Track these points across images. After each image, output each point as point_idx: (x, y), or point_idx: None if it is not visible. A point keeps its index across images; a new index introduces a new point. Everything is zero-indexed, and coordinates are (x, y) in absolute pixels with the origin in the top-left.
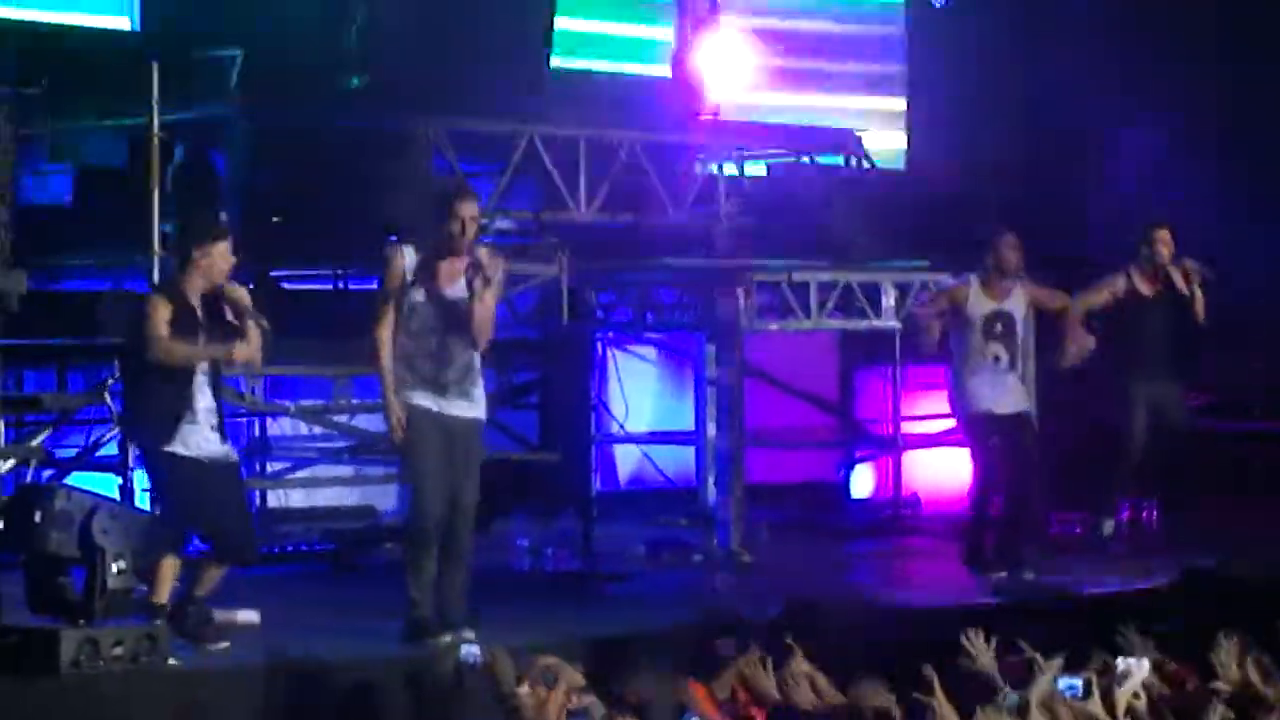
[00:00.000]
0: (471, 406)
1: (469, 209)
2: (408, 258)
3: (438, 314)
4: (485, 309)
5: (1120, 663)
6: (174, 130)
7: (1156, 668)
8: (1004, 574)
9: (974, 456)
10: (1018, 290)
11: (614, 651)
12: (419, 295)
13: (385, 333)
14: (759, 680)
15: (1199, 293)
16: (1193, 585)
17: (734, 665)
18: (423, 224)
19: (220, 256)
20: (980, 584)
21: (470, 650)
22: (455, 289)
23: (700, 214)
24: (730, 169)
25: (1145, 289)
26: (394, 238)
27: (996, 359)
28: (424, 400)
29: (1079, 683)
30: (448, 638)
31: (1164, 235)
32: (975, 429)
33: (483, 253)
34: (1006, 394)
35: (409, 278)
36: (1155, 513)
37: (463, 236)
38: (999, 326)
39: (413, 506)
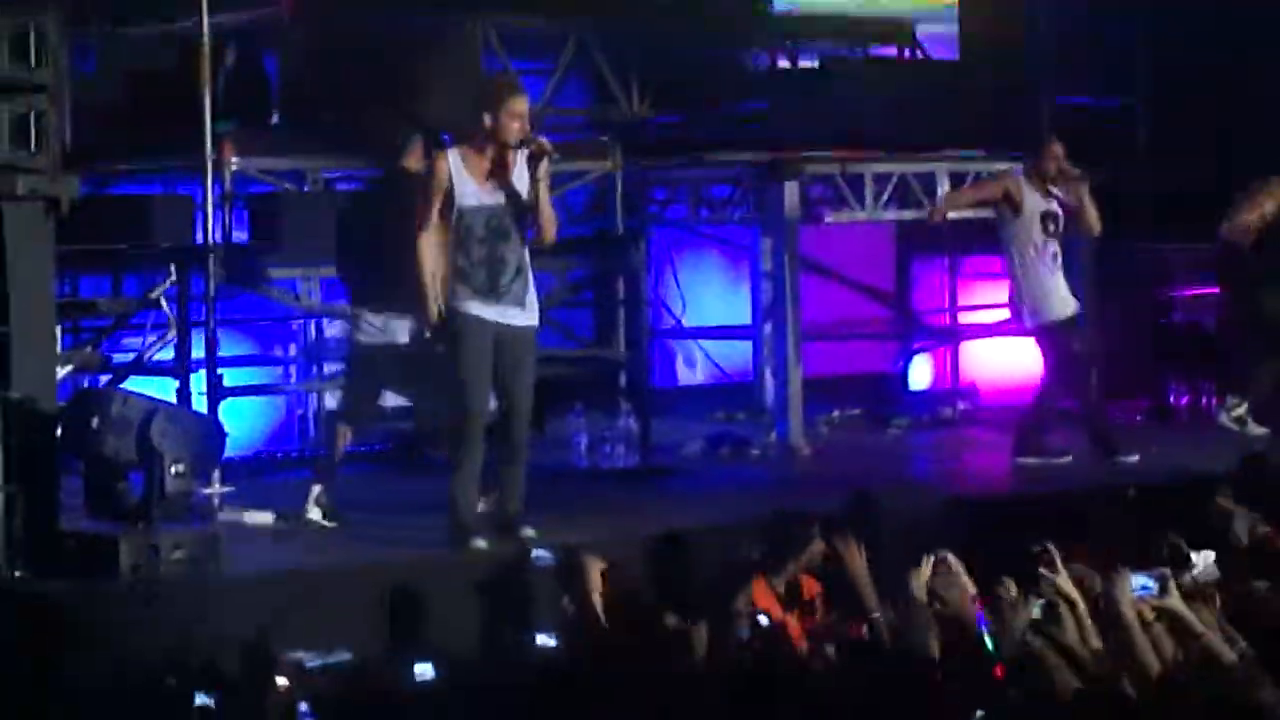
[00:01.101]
0: (525, 314)
1: (519, 105)
2: (452, 160)
3: (488, 216)
4: (547, 198)
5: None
6: (224, 33)
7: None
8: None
9: (1048, 361)
10: (1062, 191)
11: (675, 548)
12: (468, 199)
13: (428, 239)
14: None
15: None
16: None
17: (800, 556)
18: (471, 121)
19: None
20: (1036, 473)
21: (542, 553)
22: (506, 188)
23: (754, 108)
24: (783, 61)
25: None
26: (447, 137)
27: (1055, 257)
28: (477, 308)
29: (1153, 582)
30: (481, 542)
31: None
32: (1051, 336)
33: (541, 141)
34: (1066, 295)
35: (453, 181)
36: (1213, 398)
37: (514, 133)
38: (1051, 225)
39: (456, 406)
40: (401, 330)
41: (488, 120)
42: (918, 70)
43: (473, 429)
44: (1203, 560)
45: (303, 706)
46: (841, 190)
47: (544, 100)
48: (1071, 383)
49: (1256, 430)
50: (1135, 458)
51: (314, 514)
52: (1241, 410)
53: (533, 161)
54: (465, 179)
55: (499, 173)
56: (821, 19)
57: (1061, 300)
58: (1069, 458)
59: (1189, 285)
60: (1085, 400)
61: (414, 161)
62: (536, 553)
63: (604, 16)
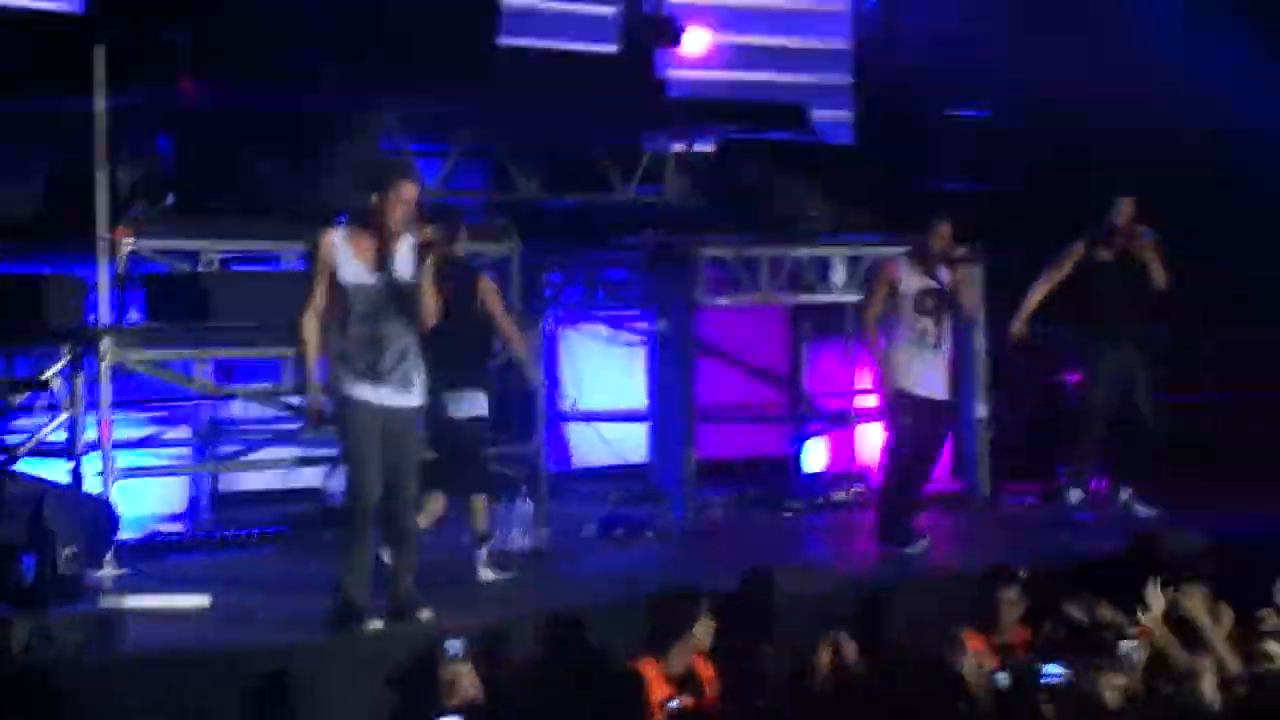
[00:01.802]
0: (409, 395)
1: (408, 190)
2: (338, 239)
3: (373, 298)
4: (430, 285)
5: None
6: (121, 114)
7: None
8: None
9: (890, 434)
10: (948, 271)
11: (569, 628)
12: (353, 278)
13: (312, 319)
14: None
15: (1155, 260)
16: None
17: (687, 634)
18: (361, 201)
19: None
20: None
21: (454, 643)
22: (388, 269)
23: (649, 191)
24: (680, 145)
25: (1105, 255)
26: (342, 217)
27: (924, 334)
28: (361, 391)
29: (1062, 669)
30: (376, 623)
31: (1127, 206)
32: (896, 407)
33: (429, 230)
34: (933, 376)
35: (339, 262)
36: (1105, 482)
37: (403, 218)
38: (929, 302)
39: (348, 491)
40: (484, 405)
41: (375, 201)
42: (813, 154)
43: (363, 512)
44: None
45: None
46: (737, 273)
47: (441, 181)
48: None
49: (1145, 511)
50: (920, 548)
51: (487, 575)
52: (1126, 495)
53: (420, 250)
54: (349, 258)
55: (383, 254)
56: (718, 103)
57: (921, 379)
58: (923, 544)
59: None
60: (906, 486)
61: (460, 249)
62: (450, 643)
63: (502, 99)
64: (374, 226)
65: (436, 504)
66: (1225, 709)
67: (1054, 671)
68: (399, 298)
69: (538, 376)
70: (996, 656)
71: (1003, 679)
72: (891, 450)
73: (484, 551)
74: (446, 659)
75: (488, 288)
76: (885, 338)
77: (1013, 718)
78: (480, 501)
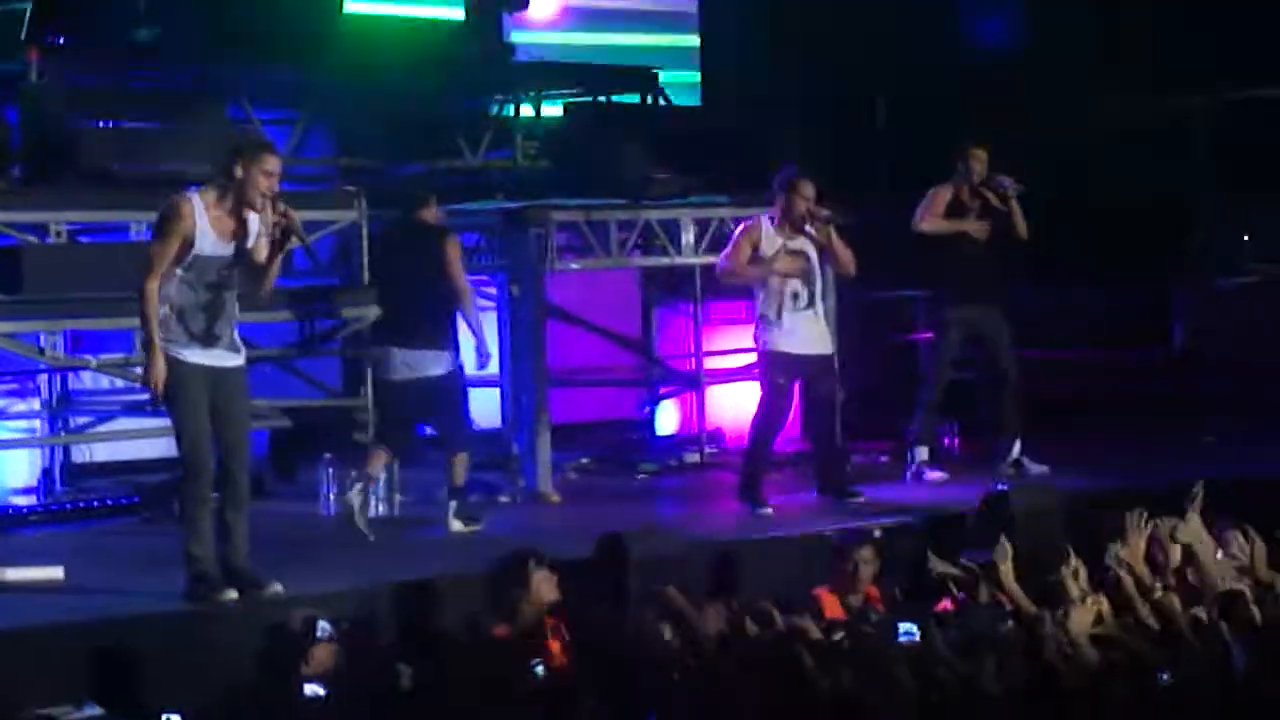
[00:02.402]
0: (238, 356)
1: (271, 163)
2: (197, 209)
3: (219, 266)
4: (277, 267)
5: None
6: None
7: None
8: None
9: (762, 394)
10: (815, 230)
11: (421, 595)
12: (206, 247)
13: (156, 285)
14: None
15: (1017, 208)
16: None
17: (527, 593)
18: (217, 175)
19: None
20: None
21: (323, 624)
22: (241, 242)
23: (498, 157)
24: (527, 110)
25: (963, 206)
26: (193, 188)
27: (795, 296)
28: (194, 355)
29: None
30: (233, 593)
31: (979, 153)
32: (767, 367)
33: (290, 213)
34: (808, 333)
35: (197, 231)
36: (956, 439)
37: (264, 191)
38: (795, 264)
39: (186, 462)
40: (434, 363)
41: (238, 173)
42: (661, 116)
43: (201, 480)
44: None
45: None
46: (587, 237)
47: (289, 150)
48: (811, 422)
49: (1037, 469)
50: (863, 498)
51: (456, 525)
52: (924, 456)
53: (280, 232)
54: (206, 227)
55: (238, 226)
56: (565, 67)
57: (799, 340)
58: (769, 511)
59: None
60: (823, 441)
61: (429, 215)
62: (320, 624)
63: (349, 65)
64: (233, 197)
65: (379, 459)
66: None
67: (908, 630)
68: (244, 268)
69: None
70: (847, 615)
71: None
72: (761, 411)
73: (454, 505)
74: (314, 637)
75: (453, 251)
76: (760, 298)
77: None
78: (460, 457)
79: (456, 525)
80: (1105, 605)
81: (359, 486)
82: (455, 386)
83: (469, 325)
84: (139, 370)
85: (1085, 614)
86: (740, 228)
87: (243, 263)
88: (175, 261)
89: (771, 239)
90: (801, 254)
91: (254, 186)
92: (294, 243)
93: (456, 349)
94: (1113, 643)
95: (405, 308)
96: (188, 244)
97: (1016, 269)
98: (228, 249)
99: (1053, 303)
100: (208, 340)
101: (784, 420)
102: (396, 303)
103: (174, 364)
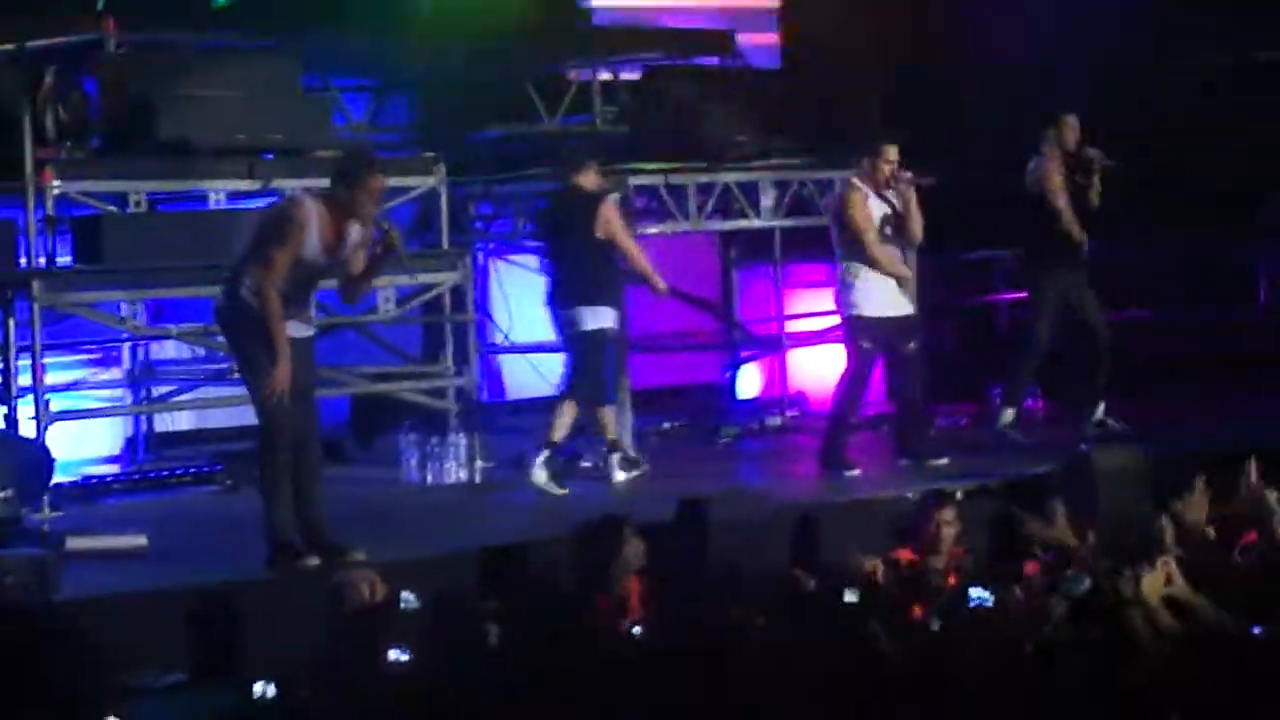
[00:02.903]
0: (310, 327)
1: (377, 182)
2: (312, 217)
3: (318, 272)
4: (373, 279)
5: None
6: (43, 56)
7: None
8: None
9: (848, 358)
10: (897, 194)
11: (507, 561)
12: (309, 252)
13: (277, 288)
14: None
15: (1097, 183)
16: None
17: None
18: (334, 185)
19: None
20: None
21: (409, 597)
22: (344, 249)
23: (577, 121)
24: (605, 74)
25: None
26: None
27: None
28: (290, 330)
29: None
30: (315, 560)
31: (1072, 121)
32: (852, 331)
33: (390, 230)
34: (892, 294)
35: (306, 238)
36: (1040, 400)
37: (368, 207)
38: (888, 229)
39: (266, 430)
40: (589, 319)
41: (344, 193)
42: (740, 79)
43: (281, 448)
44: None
45: None
46: (666, 201)
47: (367, 117)
48: (894, 384)
49: (1120, 428)
50: (945, 460)
51: (540, 476)
52: (1010, 418)
53: (381, 248)
54: (313, 233)
55: (337, 236)
56: (643, 30)
57: (884, 302)
58: (855, 473)
59: (1013, 290)
60: (907, 403)
61: (588, 180)
62: (404, 595)
63: (425, 33)
64: (337, 211)
65: (567, 414)
66: None
67: (980, 595)
68: (340, 266)
69: (660, 285)
70: (929, 577)
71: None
72: (847, 375)
73: (615, 457)
74: (399, 607)
75: (607, 214)
76: (847, 261)
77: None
78: (605, 411)
79: (619, 476)
80: (1174, 567)
81: (546, 454)
82: (602, 343)
83: (640, 276)
84: (219, 338)
85: (1156, 576)
86: (843, 196)
87: (336, 274)
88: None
89: (871, 204)
90: (891, 215)
91: (361, 207)
92: (392, 262)
93: (614, 306)
94: (1181, 603)
95: (565, 269)
96: (300, 249)
97: (1099, 229)
98: (325, 257)
99: (1137, 262)
100: (301, 317)
101: (868, 383)
102: (559, 264)
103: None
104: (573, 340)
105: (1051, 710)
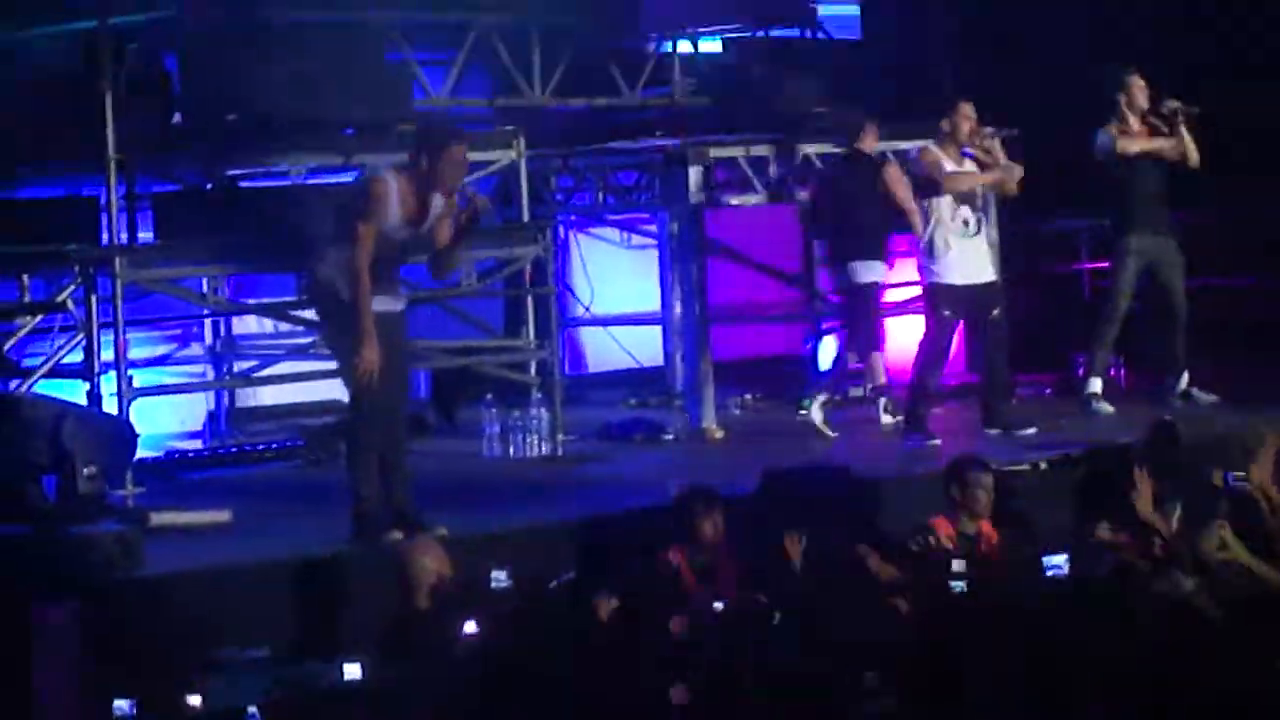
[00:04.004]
0: (401, 301)
1: (459, 152)
2: (392, 191)
3: (401, 244)
4: (464, 250)
5: None
6: (124, 33)
7: None
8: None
9: (928, 326)
10: (976, 153)
11: (592, 533)
12: (394, 225)
13: (366, 264)
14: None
15: (1187, 135)
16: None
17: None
18: (410, 157)
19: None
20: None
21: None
22: (427, 221)
23: (656, 94)
24: (684, 46)
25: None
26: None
27: (965, 223)
28: (380, 305)
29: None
30: (398, 535)
31: (1138, 80)
32: (933, 299)
33: (477, 198)
34: (975, 261)
35: (388, 210)
36: (1122, 370)
37: (451, 178)
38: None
39: (357, 405)
40: (864, 273)
41: (425, 164)
42: (820, 51)
43: (371, 422)
44: None
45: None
46: (746, 173)
47: (446, 90)
48: (979, 354)
49: (1207, 398)
50: (1032, 430)
51: (816, 415)
52: (1096, 388)
53: (467, 219)
54: (395, 206)
55: (419, 208)
56: (723, 2)
57: (967, 269)
58: (937, 443)
59: (1097, 259)
60: (991, 372)
61: (869, 143)
62: (496, 574)
63: (504, 6)
64: (420, 184)
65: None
66: None
67: (1056, 563)
68: (426, 238)
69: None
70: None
71: None
72: (926, 342)
73: (883, 401)
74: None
75: (892, 175)
76: (929, 225)
77: None
78: (876, 357)
79: (887, 419)
80: (1228, 530)
81: (823, 398)
82: (871, 297)
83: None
84: (300, 314)
85: (1210, 538)
86: (919, 156)
87: (422, 246)
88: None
89: (948, 164)
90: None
91: (443, 179)
92: (473, 225)
93: (884, 260)
94: (1236, 565)
95: (846, 228)
96: (383, 222)
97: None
98: (408, 230)
99: (1219, 227)
100: (390, 289)
101: (948, 352)
102: (840, 224)
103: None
104: (848, 293)
105: None
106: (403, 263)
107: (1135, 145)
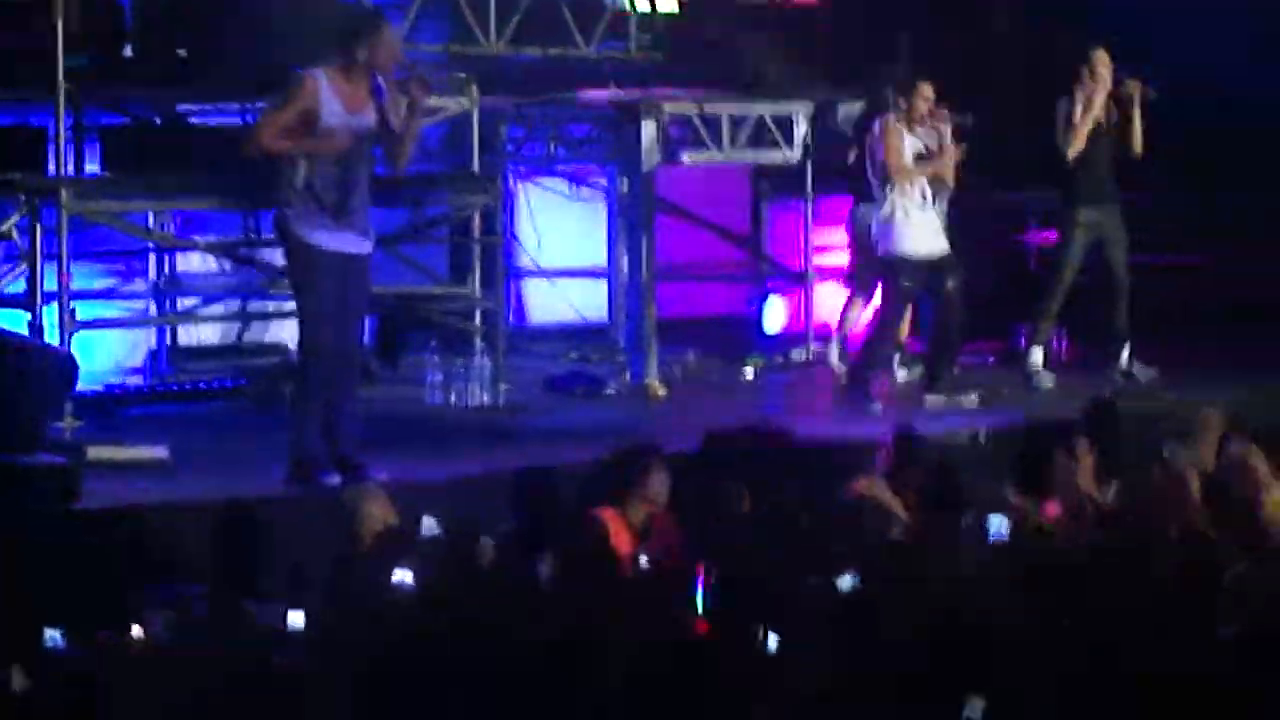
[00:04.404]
0: (367, 242)
1: (389, 33)
2: (323, 83)
3: (355, 130)
4: (417, 130)
5: None
6: None
7: None
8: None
9: (885, 295)
10: (932, 132)
11: (528, 485)
12: (334, 118)
13: (269, 140)
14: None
15: (1137, 119)
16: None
17: (643, 487)
18: (338, 49)
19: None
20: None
21: (430, 522)
22: (367, 115)
23: (612, 48)
24: (643, 1)
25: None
26: (298, 69)
27: (923, 195)
28: (327, 239)
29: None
30: (336, 479)
31: (1103, 56)
32: (893, 271)
33: (417, 73)
34: (928, 234)
35: (322, 102)
36: (1065, 342)
37: (387, 60)
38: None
39: (308, 348)
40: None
41: (360, 53)
42: (779, 12)
43: (321, 366)
44: None
45: None
46: (698, 130)
47: (401, 35)
48: (933, 319)
49: (1147, 372)
50: (974, 396)
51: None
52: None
53: (415, 94)
54: (332, 99)
55: (364, 98)
56: None
57: (926, 240)
58: (878, 406)
59: (1041, 231)
60: (941, 337)
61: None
62: (426, 521)
63: None
64: (356, 72)
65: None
66: None
67: (998, 525)
68: (373, 143)
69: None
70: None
71: None
72: (884, 311)
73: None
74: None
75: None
76: (883, 195)
77: None
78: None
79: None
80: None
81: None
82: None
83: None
84: (246, 252)
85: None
86: (880, 129)
87: (374, 136)
88: (303, 133)
89: (907, 151)
90: (919, 153)
91: (379, 62)
92: (419, 105)
93: None
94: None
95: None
96: (312, 116)
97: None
98: (356, 120)
99: (1176, 207)
100: (339, 214)
101: (903, 321)
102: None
103: (306, 250)
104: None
105: None
106: (363, 185)
107: (1075, 149)
